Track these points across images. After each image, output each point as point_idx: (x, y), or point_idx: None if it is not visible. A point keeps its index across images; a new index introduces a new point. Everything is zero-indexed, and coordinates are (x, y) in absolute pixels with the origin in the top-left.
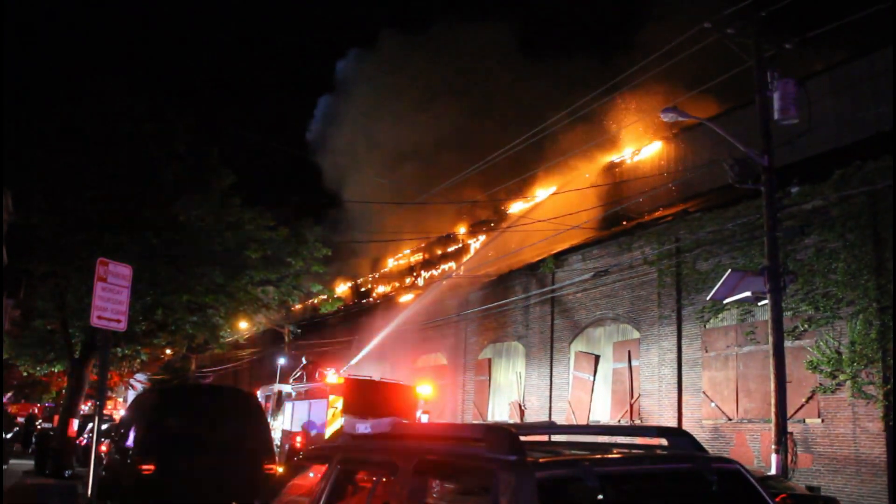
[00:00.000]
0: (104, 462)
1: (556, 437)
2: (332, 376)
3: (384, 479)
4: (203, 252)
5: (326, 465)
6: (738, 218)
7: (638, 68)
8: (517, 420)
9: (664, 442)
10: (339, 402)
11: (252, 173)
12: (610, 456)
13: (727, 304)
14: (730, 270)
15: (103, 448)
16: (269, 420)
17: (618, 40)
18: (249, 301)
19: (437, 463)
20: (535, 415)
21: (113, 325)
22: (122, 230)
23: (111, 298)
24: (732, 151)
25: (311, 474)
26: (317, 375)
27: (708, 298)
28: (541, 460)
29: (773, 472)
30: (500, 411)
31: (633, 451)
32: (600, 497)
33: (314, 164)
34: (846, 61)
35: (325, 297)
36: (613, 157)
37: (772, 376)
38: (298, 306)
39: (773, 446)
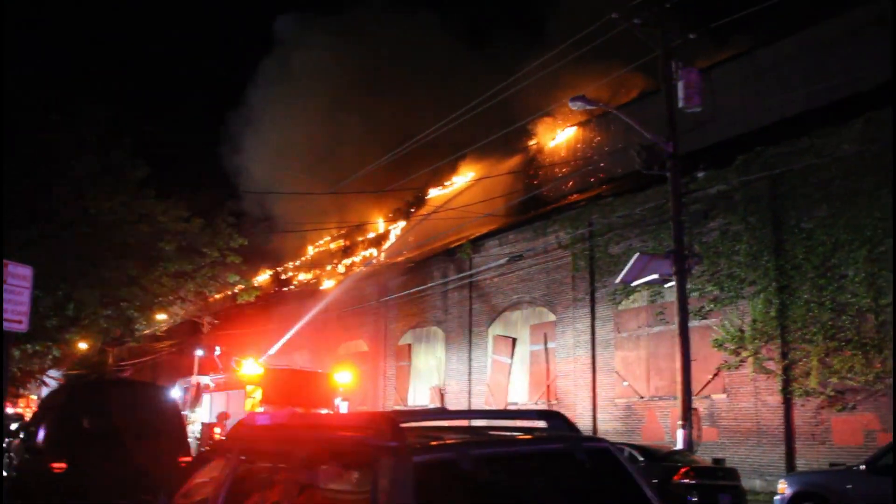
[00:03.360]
0: (14, 462)
1: (475, 423)
2: (250, 366)
3: (279, 469)
4: (116, 244)
5: (227, 458)
6: (648, 202)
7: (552, 55)
8: (438, 404)
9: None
10: (257, 393)
11: (167, 165)
12: (486, 439)
13: (637, 286)
14: (637, 254)
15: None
16: (184, 413)
17: (538, 28)
18: (164, 293)
19: (327, 451)
20: (455, 398)
21: (14, 326)
22: (29, 224)
23: (11, 300)
24: (641, 138)
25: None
26: (234, 365)
27: (617, 281)
28: (418, 445)
29: (679, 446)
30: (420, 396)
31: (513, 433)
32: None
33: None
34: (751, 50)
35: (242, 286)
36: (530, 143)
37: (677, 355)
38: (217, 296)
39: (679, 422)
